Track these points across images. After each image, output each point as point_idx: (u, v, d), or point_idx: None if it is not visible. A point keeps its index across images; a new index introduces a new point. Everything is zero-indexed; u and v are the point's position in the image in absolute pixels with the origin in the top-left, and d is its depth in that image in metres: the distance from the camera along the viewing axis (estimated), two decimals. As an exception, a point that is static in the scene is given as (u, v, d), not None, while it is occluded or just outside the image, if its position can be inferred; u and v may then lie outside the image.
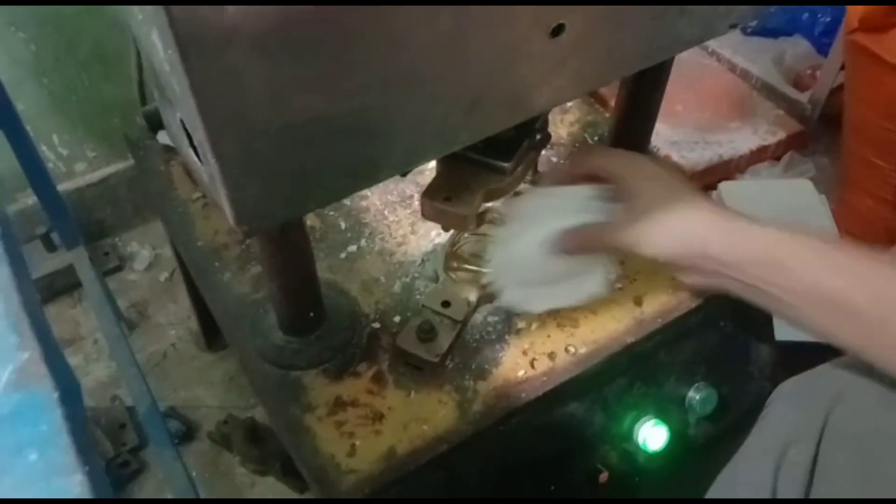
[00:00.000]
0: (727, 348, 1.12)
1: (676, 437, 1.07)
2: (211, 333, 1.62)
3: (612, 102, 1.15)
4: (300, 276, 0.91)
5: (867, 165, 1.65)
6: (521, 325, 1.01)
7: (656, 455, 1.05)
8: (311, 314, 0.96)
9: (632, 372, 1.04)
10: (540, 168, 1.16)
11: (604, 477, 1.04)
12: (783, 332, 1.21)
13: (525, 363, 0.97)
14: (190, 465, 1.33)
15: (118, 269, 1.83)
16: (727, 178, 1.86)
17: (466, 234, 1.07)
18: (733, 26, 0.90)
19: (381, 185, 1.11)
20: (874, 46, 1.51)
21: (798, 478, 0.76)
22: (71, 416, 0.39)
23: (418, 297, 1.04)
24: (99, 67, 1.63)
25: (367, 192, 1.17)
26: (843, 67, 1.76)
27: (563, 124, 1.30)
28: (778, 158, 1.94)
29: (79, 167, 1.75)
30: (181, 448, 1.46)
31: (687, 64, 1.97)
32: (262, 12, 0.54)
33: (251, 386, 1.06)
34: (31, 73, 1.56)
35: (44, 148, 1.66)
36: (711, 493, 0.86)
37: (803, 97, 1.99)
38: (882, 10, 1.50)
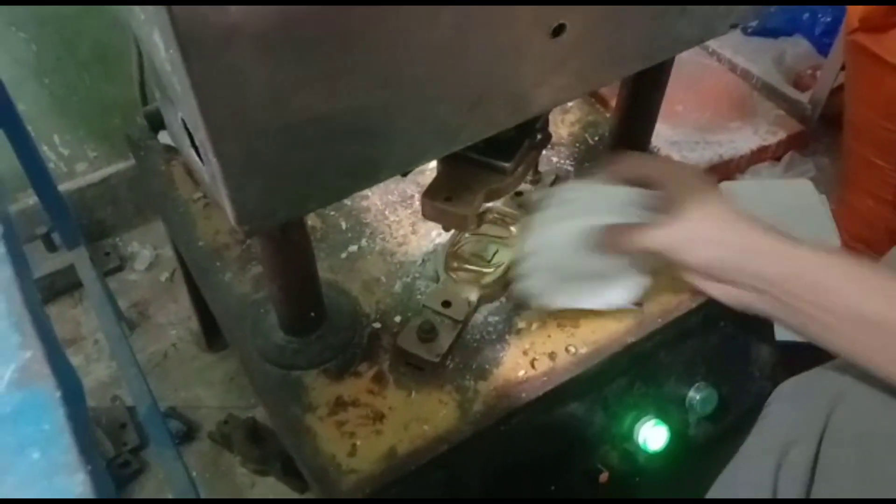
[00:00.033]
0: (727, 348, 1.12)
1: (677, 438, 1.07)
2: (211, 333, 1.62)
3: (613, 102, 1.15)
4: (301, 276, 0.91)
5: (867, 165, 1.65)
6: (521, 324, 1.01)
7: (656, 455, 1.05)
8: (312, 314, 0.97)
9: (632, 372, 1.04)
10: (541, 168, 1.16)
11: (604, 477, 1.04)
12: (783, 332, 1.21)
13: (525, 363, 0.97)
14: (190, 466, 1.33)
15: (119, 269, 1.83)
16: (727, 178, 1.86)
17: (467, 234, 1.08)
18: (734, 26, 0.90)
19: (381, 185, 1.11)
20: (874, 46, 1.51)
21: (798, 478, 0.76)
22: (73, 415, 0.40)
23: (419, 297, 1.04)
24: (100, 67, 1.63)
25: (367, 192, 1.17)
26: (843, 67, 1.76)
27: (564, 124, 1.30)
28: (778, 158, 1.94)
29: (80, 167, 1.75)
30: (182, 448, 1.46)
31: (687, 64, 1.98)
32: (264, 12, 0.54)
33: (252, 386, 1.07)
34: (32, 73, 1.56)
35: (45, 148, 1.66)
36: (712, 494, 0.86)
37: (804, 97, 1.99)
38: (882, 10, 1.50)
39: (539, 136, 0.95)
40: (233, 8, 0.53)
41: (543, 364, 0.97)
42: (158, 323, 1.73)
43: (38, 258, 1.67)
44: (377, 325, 1.01)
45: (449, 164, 0.90)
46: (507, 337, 1.00)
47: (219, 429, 1.46)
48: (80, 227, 1.58)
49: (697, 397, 1.08)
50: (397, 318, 1.02)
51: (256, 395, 1.41)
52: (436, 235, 1.11)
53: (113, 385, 1.60)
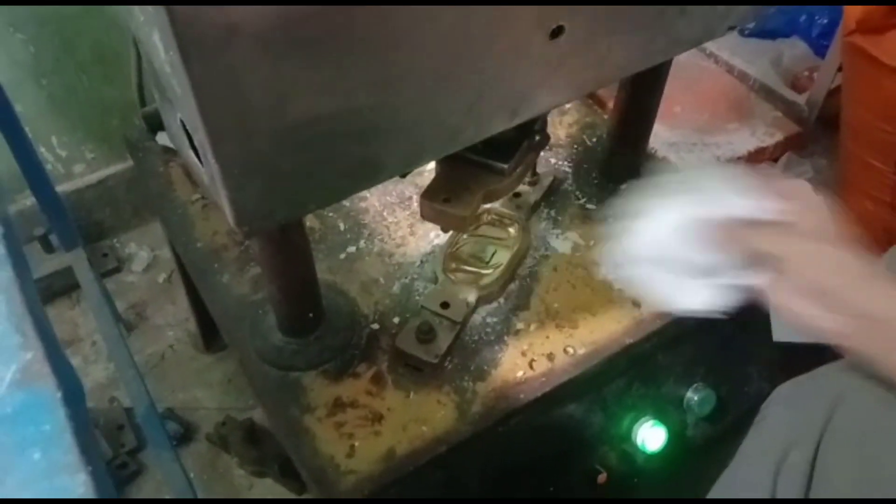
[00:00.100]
0: (725, 349, 1.13)
1: (675, 438, 1.07)
2: (209, 335, 1.62)
3: (611, 104, 1.16)
4: (300, 277, 0.91)
5: (865, 167, 1.65)
6: (519, 325, 1.01)
7: (655, 456, 1.05)
8: (311, 315, 0.97)
9: (630, 373, 1.04)
10: (539, 169, 1.16)
11: (602, 478, 1.04)
12: (781, 333, 1.21)
13: (524, 364, 0.97)
14: (188, 467, 1.33)
15: (117, 270, 1.83)
16: (725, 180, 1.86)
17: (465, 236, 1.08)
18: (731, 28, 0.90)
19: (380, 186, 1.11)
20: (872, 48, 1.51)
21: (797, 480, 0.76)
22: (74, 415, 0.40)
23: (417, 298, 1.04)
24: (98, 69, 1.62)
25: (366, 193, 1.17)
26: (840, 69, 1.76)
27: (562, 126, 1.30)
28: (776, 160, 1.94)
29: (77, 168, 1.75)
30: (179, 450, 1.46)
31: (685, 66, 1.98)
32: (263, 13, 0.54)
33: (250, 387, 1.06)
34: (31, 74, 1.56)
35: (42, 149, 1.66)
36: (711, 496, 0.86)
37: (801, 99, 1.99)
38: (879, 11, 1.51)
39: (537, 138, 0.95)
40: (233, 8, 0.53)
41: (542, 365, 0.97)
42: (156, 324, 1.73)
43: (36, 259, 1.67)
44: (376, 326, 1.01)
45: (447, 165, 0.90)
46: (505, 338, 1.00)
47: (216, 430, 1.46)
48: (78, 229, 1.58)
49: (696, 398, 1.08)
50: (396, 319, 1.02)
51: (255, 397, 1.41)
52: (434, 236, 1.11)
53: (110, 386, 1.60)
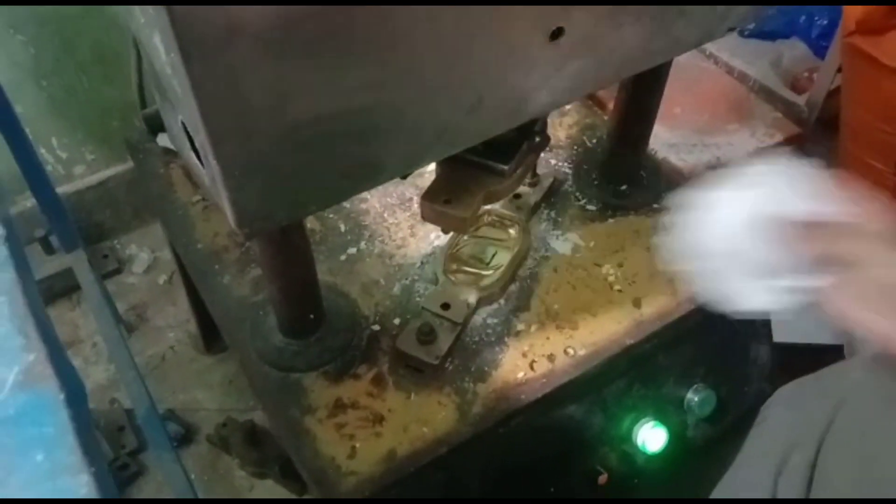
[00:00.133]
0: (726, 350, 1.13)
1: (675, 439, 1.07)
2: (210, 336, 1.62)
3: (611, 105, 1.16)
4: (300, 278, 0.91)
5: (865, 168, 1.65)
6: (520, 326, 1.01)
7: (655, 456, 1.05)
8: (311, 316, 0.97)
9: (631, 374, 1.04)
10: (539, 170, 1.16)
11: (603, 478, 1.04)
12: (781, 333, 1.22)
13: (524, 365, 0.97)
14: (189, 468, 1.33)
15: (117, 271, 1.83)
16: (725, 181, 1.86)
17: (466, 237, 1.08)
18: (731, 29, 0.90)
19: (380, 187, 1.11)
20: (871, 49, 1.51)
21: (798, 482, 0.76)
22: (76, 417, 0.40)
23: (418, 299, 1.04)
24: (98, 70, 1.62)
25: (366, 194, 1.17)
26: (840, 70, 1.76)
27: (562, 127, 1.30)
28: (775, 161, 1.94)
29: (78, 170, 1.75)
30: (180, 451, 1.46)
31: (685, 66, 1.97)
32: (264, 13, 0.54)
33: (251, 388, 1.07)
34: (31, 75, 1.56)
35: (43, 150, 1.66)
36: (714, 497, 0.86)
37: (801, 100, 1.99)
38: (879, 12, 1.51)
39: (537, 139, 0.95)
40: (233, 9, 0.53)
41: (542, 366, 0.97)
42: (157, 326, 1.73)
43: (36, 261, 1.67)
44: (376, 327, 1.01)
45: (448, 166, 0.90)
46: (505, 339, 1.00)
47: (217, 431, 1.46)
48: (79, 230, 1.58)
49: (696, 399, 1.08)
50: (396, 321, 1.02)
51: (256, 398, 1.41)
52: (434, 238, 1.11)
53: (111, 388, 1.60)
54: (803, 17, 2.12)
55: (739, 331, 1.13)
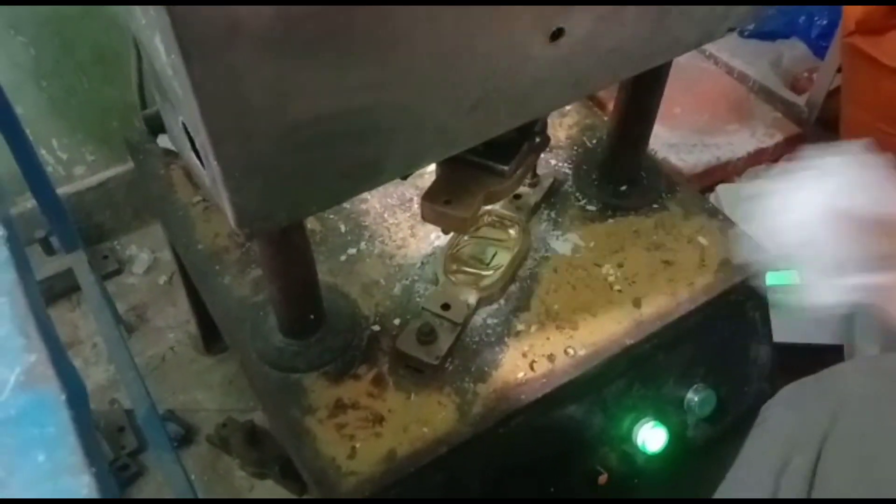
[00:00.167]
0: (726, 350, 1.13)
1: (675, 439, 1.07)
2: (210, 337, 1.62)
3: (611, 106, 1.16)
4: (300, 278, 0.91)
5: (864, 168, 1.65)
6: (520, 327, 1.01)
7: (655, 457, 1.05)
8: (312, 317, 0.97)
9: (631, 374, 1.04)
10: (539, 171, 1.17)
11: (603, 478, 1.04)
12: (781, 333, 1.22)
13: (524, 365, 0.97)
14: (189, 469, 1.33)
15: (117, 272, 1.83)
16: (725, 181, 1.87)
17: (466, 237, 1.08)
18: (731, 29, 0.90)
19: (380, 188, 1.11)
20: (871, 49, 1.52)
21: (799, 484, 0.77)
22: (78, 417, 0.40)
23: (418, 299, 1.04)
24: (98, 71, 1.63)
25: (366, 195, 1.17)
26: (840, 70, 1.77)
27: (562, 127, 1.30)
28: (775, 161, 1.95)
29: (78, 171, 1.75)
30: (180, 451, 1.46)
31: (685, 67, 1.98)
32: (264, 13, 0.54)
33: (251, 388, 1.07)
34: (31, 76, 1.56)
35: (43, 151, 1.66)
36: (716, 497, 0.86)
37: (800, 100, 1.99)
38: (879, 12, 1.51)
39: (538, 139, 0.95)
40: (233, 9, 0.53)
41: (542, 366, 0.97)
42: (157, 326, 1.73)
43: (37, 262, 1.67)
44: (376, 327, 1.01)
45: (448, 166, 0.91)
46: (505, 339, 1.00)
47: (217, 432, 1.47)
48: (79, 231, 1.58)
49: (696, 399, 1.08)
50: (396, 321, 1.02)
51: (256, 398, 1.41)
52: (435, 238, 1.11)
53: (111, 388, 1.60)
54: (803, 18, 2.12)
55: (739, 331, 1.13)
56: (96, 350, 1.67)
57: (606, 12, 0.75)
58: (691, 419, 1.10)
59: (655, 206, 1.16)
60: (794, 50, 2.12)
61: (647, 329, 1.02)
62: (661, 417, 1.05)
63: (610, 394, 1.03)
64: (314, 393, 0.94)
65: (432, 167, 0.93)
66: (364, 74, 0.63)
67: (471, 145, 0.79)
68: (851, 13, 1.55)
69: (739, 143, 1.93)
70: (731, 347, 1.13)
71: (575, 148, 1.27)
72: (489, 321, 1.02)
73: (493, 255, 1.06)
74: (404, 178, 0.84)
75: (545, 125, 0.97)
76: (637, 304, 1.04)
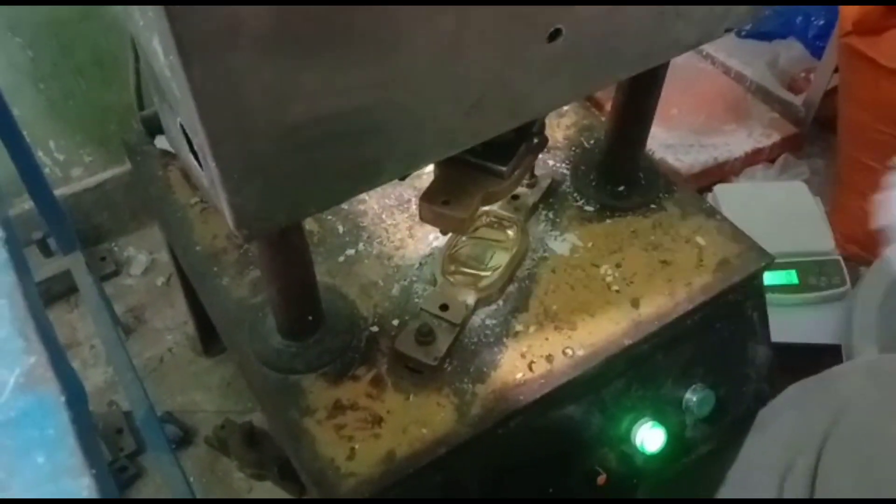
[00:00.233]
0: (724, 350, 1.13)
1: (674, 439, 1.07)
2: (208, 338, 1.62)
3: (608, 106, 1.16)
4: (299, 279, 0.91)
5: (862, 168, 1.66)
6: (518, 327, 1.01)
7: (654, 457, 1.05)
8: (310, 318, 0.97)
9: (629, 374, 1.04)
10: (537, 172, 1.17)
11: (602, 479, 1.04)
12: (780, 333, 1.22)
13: (523, 366, 0.97)
14: (187, 470, 1.33)
15: (115, 273, 1.83)
16: (722, 181, 1.87)
17: (464, 238, 1.08)
18: (729, 30, 0.90)
19: (378, 189, 1.11)
20: (868, 49, 1.52)
21: (802, 487, 0.77)
22: (77, 419, 0.40)
23: (416, 300, 1.04)
24: (96, 72, 1.63)
25: (364, 196, 1.17)
26: (837, 70, 1.77)
27: (560, 128, 1.31)
28: (772, 161, 1.95)
29: (75, 172, 1.75)
30: (179, 453, 1.46)
31: (682, 67, 1.98)
32: (263, 14, 0.55)
33: (250, 390, 1.07)
34: (29, 78, 1.56)
35: (40, 153, 1.66)
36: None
37: (797, 100, 2.00)
38: (876, 12, 1.51)
39: (535, 140, 0.95)
40: (232, 9, 0.53)
41: (541, 367, 0.97)
42: (155, 328, 1.73)
43: (34, 263, 1.67)
44: (375, 328, 1.01)
45: (446, 167, 0.91)
46: (504, 340, 1.00)
47: (216, 433, 1.47)
48: (76, 232, 1.58)
49: (694, 399, 1.08)
50: (395, 322, 1.02)
51: (254, 399, 1.41)
52: (433, 239, 1.11)
53: (109, 390, 1.60)
54: (800, 18, 2.13)
55: (737, 331, 1.13)
56: (94, 352, 1.67)
57: (604, 13, 0.75)
58: (690, 419, 1.11)
59: (653, 206, 1.16)
60: (790, 50, 2.12)
61: (646, 329, 1.02)
62: (660, 418, 1.05)
63: (608, 394, 1.03)
64: (313, 394, 0.94)
65: (430, 168, 0.93)
66: (364, 75, 0.63)
67: (469, 146, 0.79)
68: (848, 13, 1.55)
69: (736, 143, 1.93)
70: (729, 347, 1.14)
71: (573, 148, 1.27)
72: (487, 322, 1.02)
73: (492, 256, 1.06)
74: (402, 178, 0.84)
75: (543, 126, 0.97)
76: (635, 304, 1.04)
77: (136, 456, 1.49)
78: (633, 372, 1.04)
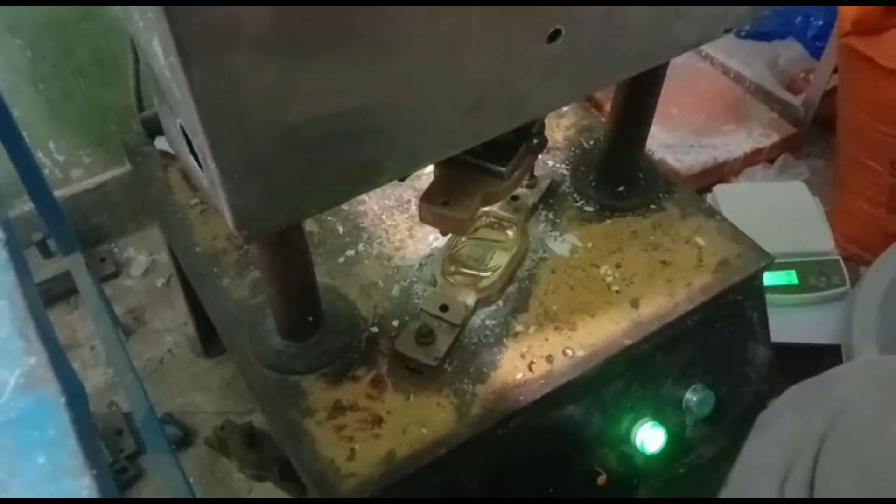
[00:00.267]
0: (724, 350, 1.13)
1: (674, 439, 1.07)
2: (208, 339, 1.62)
3: (608, 107, 1.16)
4: (299, 280, 0.91)
5: (861, 168, 1.66)
6: (518, 328, 1.01)
7: (654, 457, 1.05)
8: (310, 319, 0.97)
9: (629, 374, 1.04)
10: (536, 172, 1.17)
11: (602, 479, 1.04)
12: (780, 333, 1.22)
13: (523, 366, 0.97)
14: (188, 471, 1.33)
15: (115, 275, 1.83)
16: (722, 181, 1.87)
17: (464, 238, 1.08)
18: (728, 30, 0.90)
19: (378, 190, 1.11)
20: (867, 50, 1.52)
21: (801, 487, 0.77)
22: (78, 419, 0.40)
23: (416, 300, 1.04)
24: (96, 73, 1.63)
25: (364, 196, 1.17)
26: (836, 70, 1.77)
27: (560, 128, 1.31)
28: (772, 161, 1.95)
29: (75, 173, 1.75)
30: (179, 454, 1.46)
31: (681, 68, 1.98)
32: (263, 14, 0.55)
33: (250, 391, 1.06)
34: (28, 79, 1.56)
35: (40, 154, 1.66)
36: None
37: (797, 100, 2.00)
38: (875, 13, 1.51)
39: (535, 141, 0.95)
40: (232, 10, 0.53)
41: (541, 367, 0.97)
42: (155, 329, 1.73)
43: (34, 264, 1.67)
44: (375, 329, 1.01)
45: (446, 168, 0.91)
46: (504, 340, 1.00)
47: (216, 434, 1.46)
48: (76, 234, 1.58)
49: (694, 399, 1.08)
50: (395, 322, 1.02)
51: (255, 400, 1.41)
52: (433, 239, 1.11)
53: (109, 391, 1.60)
54: (799, 18, 2.13)
55: (737, 331, 1.13)
56: (94, 353, 1.67)
57: (604, 13, 0.75)
58: (690, 419, 1.11)
59: (653, 206, 1.16)
60: (790, 50, 2.12)
61: (646, 329, 1.02)
62: (660, 418, 1.05)
63: (608, 394, 1.03)
64: (313, 395, 0.94)
65: (430, 169, 0.93)
66: (364, 75, 0.63)
67: (469, 146, 0.79)
68: (847, 14, 1.55)
69: (736, 143, 1.93)
70: (729, 348, 1.14)
71: (572, 149, 1.27)
72: (487, 322, 1.02)
73: (492, 257, 1.06)
74: (402, 179, 0.84)
75: (543, 126, 0.97)
76: (635, 304, 1.04)
77: (136, 457, 1.50)
78: (633, 372, 1.04)
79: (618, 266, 1.08)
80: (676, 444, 1.08)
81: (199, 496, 1.31)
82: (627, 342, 1.00)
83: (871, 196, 1.67)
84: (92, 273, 1.54)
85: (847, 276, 1.53)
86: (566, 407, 1.00)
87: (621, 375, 1.03)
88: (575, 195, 1.18)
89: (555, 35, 0.72)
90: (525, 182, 1.13)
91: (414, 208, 1.15)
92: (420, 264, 1.09)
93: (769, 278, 1.34)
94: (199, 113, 0.57)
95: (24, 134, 1.37)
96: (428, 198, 0.89)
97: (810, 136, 2.01)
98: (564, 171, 1.22)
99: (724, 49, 2.15)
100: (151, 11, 0.53)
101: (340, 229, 1.14)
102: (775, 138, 1.95)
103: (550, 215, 1.15)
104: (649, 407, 1.06)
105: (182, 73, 0.54)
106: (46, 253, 1.66)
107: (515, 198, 1.13)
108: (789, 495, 0.77)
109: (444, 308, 0.99)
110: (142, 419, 1.35)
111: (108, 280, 1.81)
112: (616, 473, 1.05)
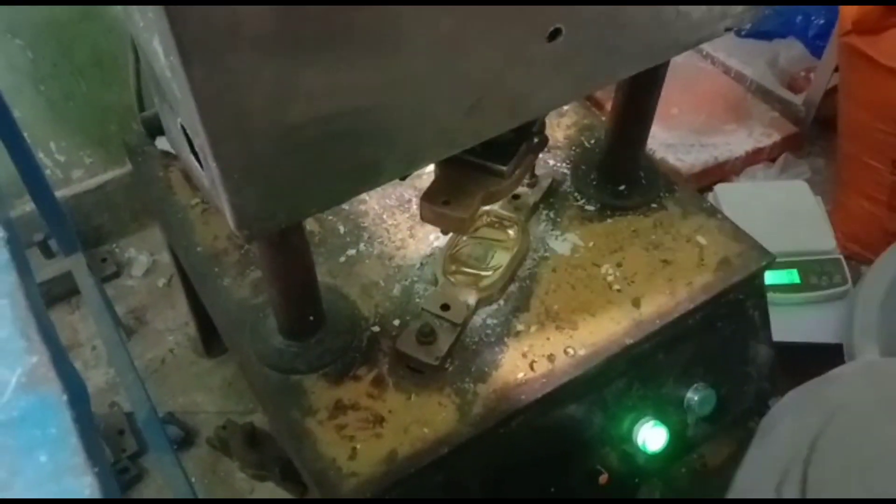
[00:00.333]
0: (725, 349, 1.13)
1: (676, 438, 1.07)
2: (209, 339, 1.62)
3: (609, 106, 1.16)
4: (300, 280, 0.91)
5: (862, 167, 1.66)
6: (520, 327, 1.01)
7: (656, 456, 1.05)
8: (311, 318, 0.97)
9: (630, 373, 1.04)
10: (537, 171, 1.17)
11: (604, 478, 1.04)
12: (781, 332, 1.22)
13: (524, 365, 0.97)
14: (189, 471, 1.33)
15: (116, 275, 1.83)
16: (723, 181, 1.87)
17: (465, 237, 1.08)
18: (728, 29, 0.90)
19: (379, 189, 1.11)
20: (868, 49, 1.52)
21: (795, 489, 0.77)
22: (79, 418, 0.40)
23: (417, 300, 1.04)
24: (96, 73, 1.63)
25: (365, 196, 1.17)
26: (837, 69, 1.77)
27: (560, 128, 1.31)
28: (773, 160, 1.95)
29: (76, 174, 1.75)
30: (180, 454, 1.46)
31: (682, 67, 1.98)
32: (263, 15, 0.55)
33: (251, 390, 1.07)
34: (29, 79, 1.57)
35: (41, 154, 1.66)
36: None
37: (798, 99, 2.00)
38: (875, 12, 1.51)
39: (536, 140, 0.96)
40: (232, 10, 0.53)
41: (542, 366, 0.97)
42: (156, 329, 1.73)
43: (36, 265, 1.67)
44: (376, 328, 1.01)
45: (446, 167, 0.91)
46: (505, 339, 1.00)
47: (217, 434, 1.46)
48: (77, 234, 1.58)
49: (696, 398, 1.08)
50: (396, 322, 1.02)
51: (256, 400, 1.41)
52: (434, 239, 1.11)
53: (111, 391, 1.60)
54: (800, 17, 2.13)
55: (739, 330, 1.13)
56: (96, 353, 1.67)
57: (604, 13, 0.75)
58: (691, 418, 1.11)
59: (654, 205, 1.16)
60: (791, 49, 2.12)
61: (647, 328, 1.02)
62: (662, 417, 1.05)
63: (610, 393, 1.03)
64: (314, 394, 0.94)
65: (430, 168, 0.93)
66: (364, 75, 0.63)
67: (470, 145, 0.79)
68: (848, 13, 1.55)
69: (737, 142, 1.93)
70: (730, 347, 1.14)
71: (573, 148, 1.27)
72: (489, 321, 1.02)
73: (493, 256, 1.06)
74: (403, 178, 0.85)
75: (543, 125, 0.97)
76: (636, 303, 1.04)
77: (137, 457, 1.50)
78: (635, 371, 1.04)
79: (619, 265, 1.08)
80: (678, 443, 1.08)
81: (200, 496, 1.31)
82: (629, 341, 1.00)
83: (872, 195, 1.67)
84: (93, 273, 1.54)
85: (848, 275, 1.53)
86: (568, 406, 1.00)
87: (623, 374, 1.03)
88: (576, 194, 1.18)
89: (555, 34, 0.72)
90: (526, 181, 1.13)
91: (415, 207, 1.15)
92: (421, 263, 1.09)
93: (770, 277, 1.34)
94: (200, 112, 0.57)
95: (25, 134, 1.37)
96: (429, 197, 0.89)
97: (811, 136, 2.01)
98: (565, 171, 1.22)
99: (724, 48, 2.14)
100: (152, 11, 0.53)
101: (341, 229, 1.14)
102: (776, 137, 1.95)
103: (551, 214, 1.15)
104: (651, 406, 1.06)
105: (182, 73, 0.54)
106: (48, 253, 1.66)
107: (516, 197, 1.13)
108: (786, 496, 0.77)
109: (445, 307, 0.99)
110: (143, 419, 1.35)
111: (109, 280, 1.81)
112: (618, 472, 1.05)
